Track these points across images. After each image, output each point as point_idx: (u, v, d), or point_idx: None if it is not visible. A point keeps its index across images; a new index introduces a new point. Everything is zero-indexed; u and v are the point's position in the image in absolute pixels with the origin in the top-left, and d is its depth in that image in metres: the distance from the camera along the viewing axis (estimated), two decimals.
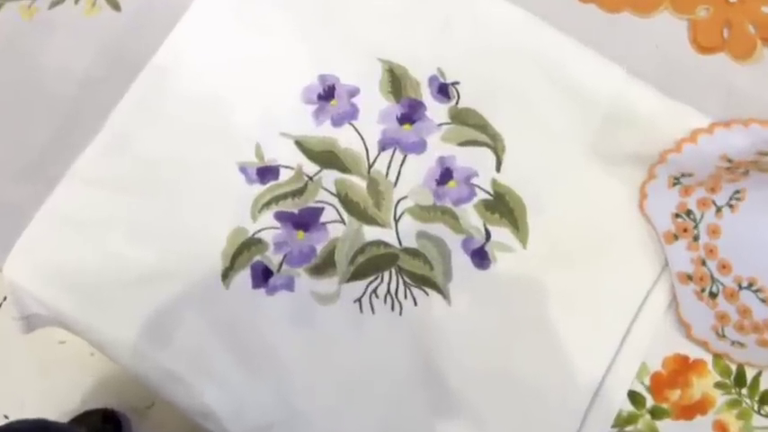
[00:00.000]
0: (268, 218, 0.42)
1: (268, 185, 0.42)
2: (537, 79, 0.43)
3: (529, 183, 0.42)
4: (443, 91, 0.44)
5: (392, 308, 0.40)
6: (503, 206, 0.41)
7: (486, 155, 0.42)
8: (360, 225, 0.41)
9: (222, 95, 0.44)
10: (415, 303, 0.40)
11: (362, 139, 0.43)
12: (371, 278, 0.41)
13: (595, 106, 0.42)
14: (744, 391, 0.38)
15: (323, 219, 0.42)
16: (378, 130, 0.43)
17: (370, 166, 0.42)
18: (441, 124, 0.43)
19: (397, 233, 0.41)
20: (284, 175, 0.43)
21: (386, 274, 0.41)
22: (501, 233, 0.41)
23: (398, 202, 0.42)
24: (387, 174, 0.42)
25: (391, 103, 0.44)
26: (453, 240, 0.41)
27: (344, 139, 0.43)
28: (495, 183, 0.42)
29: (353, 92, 0.44)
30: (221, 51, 0.45)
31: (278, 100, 0.44)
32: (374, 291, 0.41)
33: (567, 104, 0.42)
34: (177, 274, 0.40)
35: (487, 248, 0.41)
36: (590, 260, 0.40)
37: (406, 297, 0.40)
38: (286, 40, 0.45)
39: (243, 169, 0.43)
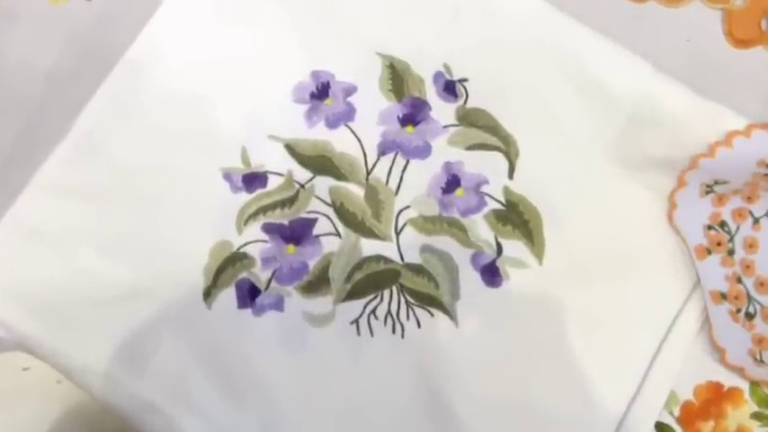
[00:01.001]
0: (255, 230, 0.41)
1: (255, 194, 0.42)
2: (554, 76, 0.42)
3: (545, 191, 0.41)
4: (450, 89, 0.43)
5: (393, 330, 0.40)
6: (516, 217, 0.41)
7: (498, 160, 0.42)
8: (357, 238, 0.41)
9: (204, 94, 0.43)
10: (419, 325, 0.40)
11: (360, 142, 0.43)
12: (370, 297, 0.40)
13: (619, 106, 0.41)
14: None
15: (316, 231, 0.41)
16: (377, 132, 0.43)
17: (368, 173, 0.42)
18: (447, 126, 0.43)
19: (399, 247, 0.41)
20: (273, 182, 0.42)
21: (386, 293, 0.40)
22: (514, 247, 0.41)
23: (400, 212, 0.42)
24: (387, 181, 0.42)
25: (392, 103, 0.43)
26: (461, 255, 0.41)
27: (340, 142, 0.43)
28: (507, 191, 0.41)
29: (350, 90, 0.43)
30: (203, 45, 0.44)
31: (266, 99, 0.43)
32: (373, 311, 0.40)
33: (588, 104, 0.42)
34: (154, 293, 0.40)
35: (499, 264, 0.40)
36: (613, 277, 0.40)
37: (408, 318, 0.40)
38: (274, 33, 0.44)
39: (227, 176, 0.42)
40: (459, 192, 0.41)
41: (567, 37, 0.42)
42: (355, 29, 0.44)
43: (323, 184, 0.42)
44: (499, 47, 0.43)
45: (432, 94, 0.43)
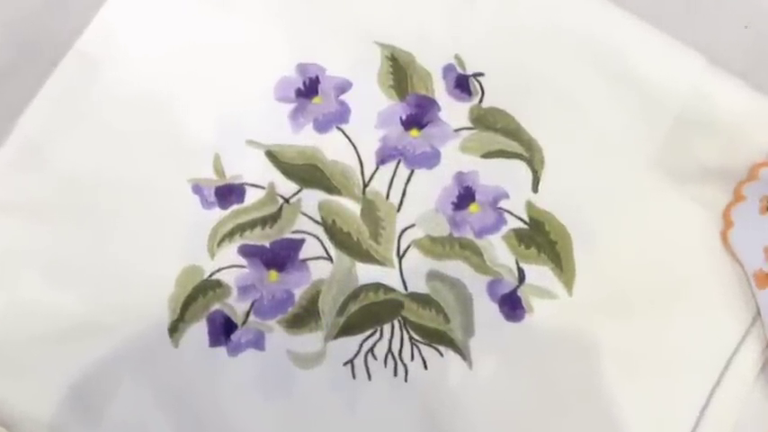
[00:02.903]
0: (230, 253, 0.41)
1: (230, 210, 0.42)
2: (586, 70, 0.42)
3: (575, 207, 0.41)
4: (463, 85, 0.43)
5: (395, 372, 0.40)
6: (541, 238, 0.41)
7: (520, 170, 0.42)
8: (352, 263, 0.41)
9: (169, 91, 0.43)
10: (425, 366, 0.40)
11: (355, 148, 0.42)
12: (367, 333, 0.40)
13: (664, 105, 0.41)
14: None
15: (303, 254, 0.41)
16: (376, 136, 0.43)
17: (365, 185, 0.42)
18: (459, 129, 0.43)
19: (402, 273, 0.41)
20: (252, 196, 0.42)
21: (386, 328, 0.40)
22: (539, 273, 0.41)
23: (403, 232, 0.41)
24: (387, 195, 0.42)
25: (393, 102, 0.43)
26: (476, 283, 0.41)
27: (331, 148, 0.42)
28: (530, 206, 0.41)
29: (343, 86, 0.43)
30: (167, 33, 0.44)
31: (243, 97, 0.43)
32: (371, 350, 0.40)
33: (627, 104, 0.42)
34: (111, 328, 0.40)
35: (521, 294, 0.40)
36: (656, 310, 0.40)
37: (412, 358, 0.40)
38: (253, 18, 0.44)
39: (197, 188, 0.42)
40: (473, 207, 0.41)
41: (602, 24, 0.42)
42: (350, 14, 0.44)
43: (311, 198, 0.42)
44: (521, 35, 0.43)
45: (441, 92, 0.43)
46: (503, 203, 0.41)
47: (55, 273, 0.40)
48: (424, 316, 0.40)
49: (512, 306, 0.40)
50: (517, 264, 0.40)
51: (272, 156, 0.42)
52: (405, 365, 0.39)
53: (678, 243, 0.40)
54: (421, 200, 0.41)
